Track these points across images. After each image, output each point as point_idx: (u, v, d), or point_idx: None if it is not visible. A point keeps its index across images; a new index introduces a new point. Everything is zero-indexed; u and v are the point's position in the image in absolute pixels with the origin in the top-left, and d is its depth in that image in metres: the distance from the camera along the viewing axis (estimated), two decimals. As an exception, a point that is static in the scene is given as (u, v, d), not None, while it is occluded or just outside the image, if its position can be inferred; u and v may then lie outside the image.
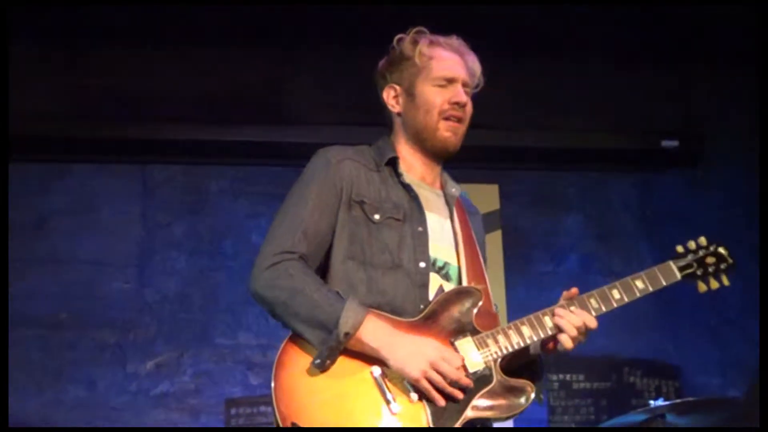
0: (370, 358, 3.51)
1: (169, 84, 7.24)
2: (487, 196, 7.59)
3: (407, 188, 3.87)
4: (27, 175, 7.09)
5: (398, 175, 3.89)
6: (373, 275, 3.69)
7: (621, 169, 7.77)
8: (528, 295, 7.42)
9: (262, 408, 6.86)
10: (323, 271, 3.72)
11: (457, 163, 7.38)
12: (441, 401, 3.47)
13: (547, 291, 7.45)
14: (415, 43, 4.01)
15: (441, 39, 4.07)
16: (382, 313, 3.59)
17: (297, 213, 3.69)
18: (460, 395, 3.51)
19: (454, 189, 4.09)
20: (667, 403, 5.57)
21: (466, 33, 6.91)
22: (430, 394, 3.46)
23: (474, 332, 3.67)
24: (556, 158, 7.67)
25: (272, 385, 3.46)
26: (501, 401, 3.61)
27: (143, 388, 7.01)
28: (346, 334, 3.44)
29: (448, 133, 3.96)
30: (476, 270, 3.93)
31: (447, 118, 3.94)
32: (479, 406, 3.57)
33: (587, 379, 7.41)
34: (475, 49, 7.02)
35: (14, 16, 6.43)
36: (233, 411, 6.87)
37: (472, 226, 4.09)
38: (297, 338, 3.54)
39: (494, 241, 7.49)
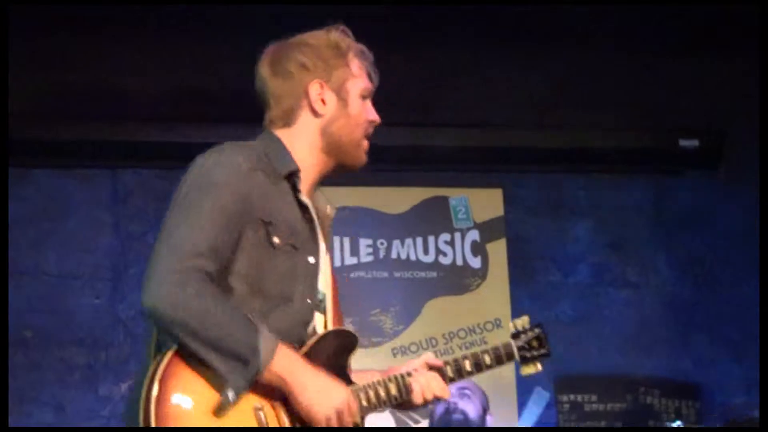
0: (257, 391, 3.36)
1: (142, 81, 7.15)
2: (489, 202, 7.61)
3: (304, 209, 3.63)
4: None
5: (297, 191, 3.61)
6: (265, 307, 3.48)
7: (635, 170, 7.73)
8: (534, 308, 7.32)
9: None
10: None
11: (458, 166, 7.38)
12: None
13: (555, 304, 7.46)
14: (346, 41, 3.76)
15: (356, 44, 3.82)
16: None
17: (208, 221, 3.39)
18: None
19: (329, 208, 3.83)
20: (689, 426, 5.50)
21: (470, 29, 6.92)
22: None
23: (348, 382, 3.59)
24: (564, 159, 7.62)
25: (147, 402, 3.23)
26: None
27: (116, 413, 6.85)
28: (264, 364, 3.27)
29: (365, 155, 3.76)
30: (337, 303, 3.84)
31: (366, 137, 3.74)
32: (311, 428, 3.44)
33: (600, 399, 7.40)
34: (478, 44, 7.05)
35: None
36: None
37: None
38: (185, 355, 3.32)
39: (498, 250, 7.52)
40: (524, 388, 7.18)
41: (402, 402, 3.68)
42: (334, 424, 3.35)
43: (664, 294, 7.51)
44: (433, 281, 7.42)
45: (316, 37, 3.73)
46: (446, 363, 3.79)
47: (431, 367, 3.75)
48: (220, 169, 3.45)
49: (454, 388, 6.06)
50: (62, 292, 7.03)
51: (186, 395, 3.30)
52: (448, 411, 6.09)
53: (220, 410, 3.27)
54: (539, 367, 3.98)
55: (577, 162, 7.62)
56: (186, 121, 7.01)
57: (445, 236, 7.48)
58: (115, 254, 7.18)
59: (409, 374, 3.68)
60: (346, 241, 7.38)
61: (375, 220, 7.45)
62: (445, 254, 7.45)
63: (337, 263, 7.24)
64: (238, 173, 3.45)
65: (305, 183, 3.64)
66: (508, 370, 6.99)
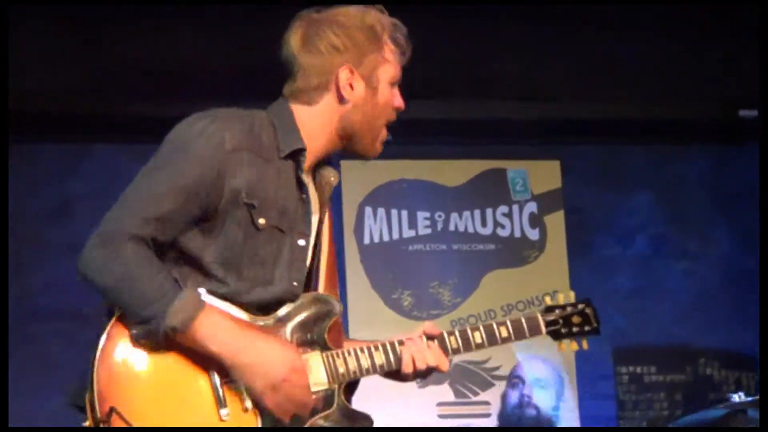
0: (210, 358, 3.36)
1: (197, 59, 7.18)
2: (547, 174, 7.63)
3: (302, 188, 3.61)
4: (46, 156, 7.11)
5: (299, 170, 3.59)
6: (240, 287, 3.49)
7: (694, 141, 7.73)
8: (592, 280, 7.39)
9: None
10: (180, 261, 3.46)
11: (516, 138, 7.43)
12: (277, 418, 3.40)
13: (613, 276, 7.48)
14: (381, 23, 3.67)
15: (395, 22, 3.71)
16: (221, 306, 3.43)
17: (158, 190, 3.38)
18: (298, 416, 3.43)
19: (333, 177, 3.77)
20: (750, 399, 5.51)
21: (531, 4, 6.95)
22: (269, 411, 3.38)
23: (324, 347, 3.56)
24: (622, 131, 7.61)
25: (94, 360, 3.26)
26: (337, 426, 3.56)
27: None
28: (173, 329, 3.25)
29: (380, 146, 3.73)
30: (332, 278, 3.77)
31: (386, 126, 3.71)
32: (316, 425, 3.51)
33: (659, 371, 7.44)
34: (538, 18, 7.08)
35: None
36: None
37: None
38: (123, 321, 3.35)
39: (556, 222, 7.55)
40: (585, 371, 7.25)
41: (392, 371, 3.65)
42: (276, 397, 3.34)
43: (724, 265, 7.52)
44: (491, 254, 7.44)
45: (352, 17, 3.63)
46: (450, 333, 3.72)
47: (430, 337, 3.70)
48: (201, 141, 3.43)
49: (529, 379, 6.14)
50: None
51: (124, 353, 3.32)
52: (521, 404, 6.11)
53: (135, 341, 3.28)
54: (579, 345, 3.96)
55: (635, 134, 7.61)
56: (240, 97, 6.98)
57: (503, 208, 7.50)
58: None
59: (400, 342, 3.64)
60: (404, 214, 7.40)
61: (433, 192, 7.46)
62: (503, 226, 7.48)
63: (396, 236, 7.33)
64: (218, 150, 3.43)
65: (308, 161, 3.62)
66: (565, 355, 7.12)
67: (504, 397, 6.17)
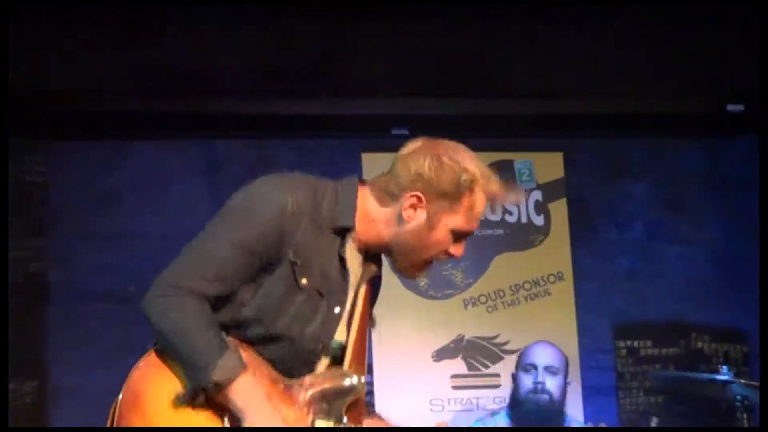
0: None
1: (231, 59, 7.11)
2: (551, 165, 7.60)
3: (343, 263, 3.61)
4: (94, 152, 7.11)
5: (342, 245, 3.60)
6: (266, 335, 3.53)
7: (686, 134, 7.71)
8: (593, 263, 7.43)
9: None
10: (228, 302, 3.49)
11: (522, 132, 7.40)
12: None
13: (612, 258, 7.49)
14: (474, 180, 3.60)
15: (495, 185, 3.66)
16: (260, 365, 3.49)
17: (225, 252, 3.42)
18: None
19: (374, 267, 3.76)
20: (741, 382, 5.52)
21: (532, 6, 6.92)
22: None
23: (339, 419, 3.56)
24: (620, 125, 7.60)
25: (122, 391, 3.37)
26: None
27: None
28: (216, 384, 3.30)
29: (418, 273, 3.74)
30: (361, 350, 3.74)
31: (430, 262, 3.69)
32: (313, 428, 3.51)
33: (655, 345, 7.45)
34: (540, 20, 7.04)
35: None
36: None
37: (372, 292, 3.86)
38: (161, 356, 3.44)
39: (559, 209, 7.52)
40: (586, 345, 7.24)
41: None
42: None
43: (715, 249, 7.51)
44: (500, 238, 7.41)
45: (454, 162, 3.59)
46: None
47: None
48: (265, 206, 3.44)
49: (541, 367, 6.12)
50: (164, 252, 7.03)
51: (153, 387, 3.39)
52: (536, 390, 6.09)
53: (176, 404, 3.33)
54: None
55: (632, 127, 7.59)
56: (272, 95, 7.00)
57: (511, 196, 7.46)
58: (211, 217, 7.20)
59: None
60: (420, 202, 7.34)
61: (446, 182, 7.41)
62: (510, 213, 7.44)
63: (414, 223, 7.31)
64: (280, 215, 3.43)
65: (356, 242, 3.62)
66: (568, 331, 7.12)
67: (518, 383, 6.14)
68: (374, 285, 3.86)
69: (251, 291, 3.48)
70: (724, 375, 5.65)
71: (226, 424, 3.38)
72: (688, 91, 7.49)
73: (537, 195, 7.49)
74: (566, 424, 6.16)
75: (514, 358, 6.98)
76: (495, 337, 7.20)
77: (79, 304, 6.89)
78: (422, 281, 7.21)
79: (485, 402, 7.13)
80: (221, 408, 3.38)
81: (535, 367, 6.11)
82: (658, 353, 7.39)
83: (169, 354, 3.39)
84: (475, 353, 7.22)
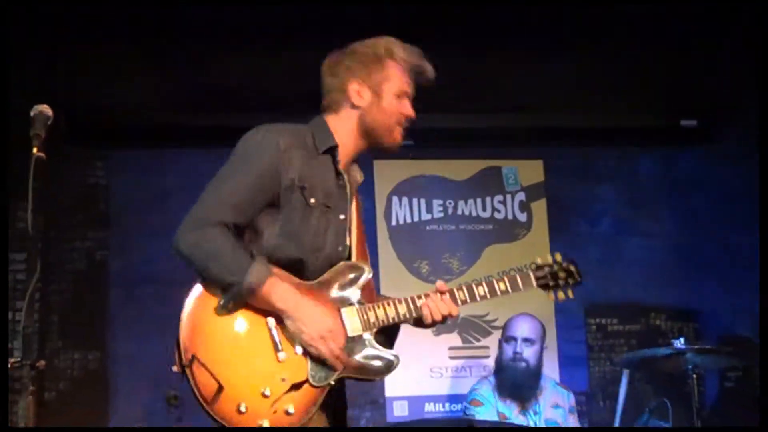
0: (267, 311, 3.47)
1: (260, 79, 7.12)
2: (533, 170, 7.62)
3: (340, 176, 3.71)
4: (146, 159, 7.15)
5: (336, 162, 3.70)
6: (299, 253, 3.59)
7: (648, 145, 7.72)
8: (568, 252, 7.26)
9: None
10: (254, 236, 3.58)
11: (508, 142, 7.44)
12: (321, 360, 3.47)
13: (584, 249, 7.47)
14: (389, 50, 3.80)
15: (408, 51, 3.84)
16: (284, 273, 3.53)
17: (233, 185, 3.53)
18: (336, 363, 3.50)
19: (359, 176, 3.87)
20: (689, 347, 5.54)
21: (516, 33, 6.95)
22: (314, 355, 3.47)
23: (358, 302, 3.64)
24: (591, 136, 7.62)
25: (182, 318, 3.41)
26: (369, 366, 3.61)
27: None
28: (250, 289, 3.38)
29: (400, 137, 3.81)
30: (362, 249, 3.83)
31: (399, 125, 3.78)
32: (350, 367, 3.56)
33: (620, 322, 7.48)
34: (523, 45, 7.06)
35: (122, 18, 6.53)
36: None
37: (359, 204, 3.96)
38: (207, 283, 3.47)
39: (539, 208, 7.55)
40: (562, 322, 7.30)
41: (413, 320, 3.72)
42: (320, 345, 3.44)
43: (670, 241, 7.53)
44: (489, 232, 7.43)
45: (363, 46, 3.79)
46: (459, 288, 3.77)
47: (442, 292, 3.75)
48: (261, 146, 3.57)
49: (520, 338, 6.14)
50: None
51: (202, 310, 3.42)
52: (515, 358, 6.08)
53: (219, 310, 3.38)
54: (565, 295, 3.99)
55: (600, 139, 7.61)
56: (289, 111, 6.88)
57: (499, 197, 7.49)
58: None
59: (419, 297, 3.71)
60: (423, 201, 7.39)
61: (444, 185, 7.47)
62: (499, 211, 7.46)
63: (416, 219, 7.35)
64: (275, 151, 3.55)
65: (343, 157, 3.71)
66: (547, 310, 7.16)
67: (501, 351, 6.17)
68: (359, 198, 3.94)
69: (270, 220, 3.56)
70: (679, 346, 5.69)
71: (271, 325, 3.45)
72: (649, 108, 7.57)
73: (521, 196, 7.52)
74: (542, 382, 6.18)
75: (500, 332, 7.08)
76: (485, 315, 7.23)
77: (135, 286, 6.88)
78: (424, 268, 7.26)
79: (477, 370, 7.15)
80: (264, 312, 3.46)
81: (515, 339, 6.12)
82: (622, 329, 7.41)
83: (208, 280, 3.45)
84: (468, 329, 7.25)
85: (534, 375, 6.12)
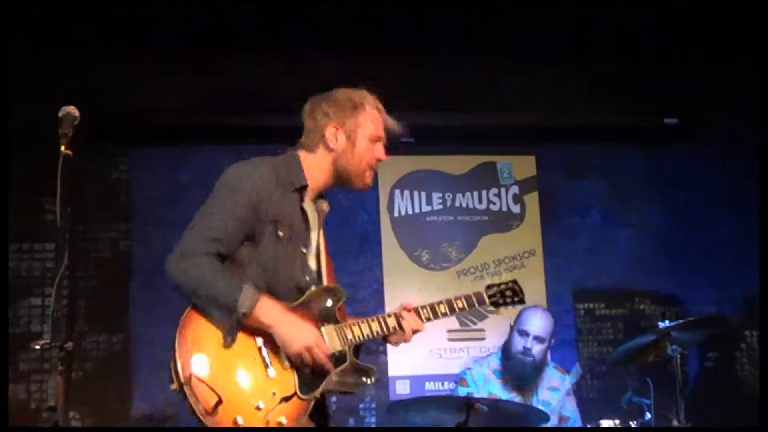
0: (255, 329, 3.55)
1: (273, 81, 7.15)
2: (526, 165, 7.60)
3: (304, 212, 3.82)
4: (164, 157, 7.14)
5: (302, 200, 3.81)
6: (271, 279, 3.68)
7: (634, 142, 7.71)
8: (559, 242, 7.49)
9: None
10: (234, 267, 3.64)
11: (503, 139, 7.45)
12: (307, 375, 3.59)
13: (573, 239, 7.51)
14: (364, 100, 3.93)
15: (377, 103, 3.97)
16: (269, 296, 3.60)
17: (218, 220, 3.60)
18: (324, 368, 3.62)
19: (325, 205, 3.97)
20: (672, 324, 5.53)
21: (510, 41, 6.97)
22: (302, 367, 3.58)
23: (335, 322, 3.76)
24: (580, 134, 7.60)
25: (176, 339, 3.47)
26: (350, 379, 3.75)
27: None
28: (244, 314, 3.46)
29: (369, 181, 3.93)
30: (331, 272, 3.96)
31: (371, 168, 3.90)
32: (333, 380, 3.68)
33: (607, 307, 7.47)
34: (514, 50, 7.09)
35: (143, 28, 6.58)
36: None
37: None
38: (197, 308, 3.55)
39: (532, 200, 7.53)
40: (553, 307, 7.21)
41: (384, 335, 3.87)
42: (306, 356, 3.54)
43: (654, 232, 7.53)
44: (485, 222, 7.42)
45: (341, 93, 3.91)
46: (423, 307, 3.93)
47: (408, 310, 3.91)
48: (245, 181, 3.65)
49: (532, 335, 6.10)
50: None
51: (196, 332, 3.50)
52: (524, 353, 6.02)
53: (225, 345, 3.48)
54: (514, 310, 4.31)
55: (589, 136, 7.59)
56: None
57: (494, 190, 7.48)
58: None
59: (389, 315, 3.86)
60: (423, 194, 7.38)
61: (443, 179, 7.46)
62: (494, 203, 7.45)
63: (417, 210, 7.35)
64: (253, 188, 3.63)
65: (310, 193, 3.83)
66: (539, 295, 7.17)
67: (512, 339, 6.11)
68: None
69: (248, 252, 3.64)
70: (663, 326, 5.69)
71: (260, 344, 3.55)
72: (634, 108, 7.57)
73: (515, 189, 7.51)
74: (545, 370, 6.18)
75: (496, 317, 7.04)
76: (481, 301, 7.23)
77: (155, 274, 6.84)
78: (424, 256, 7.27)
79: (473, 351, 7.13)
80: (252, 332, 3.55)
81: (527, 333, 6.05)
82: (609, 313, 7.41)
83: (199, 306, 3.52)
84: (466, 313, 7.18)
85: (538, 369, 6.09)
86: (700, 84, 7.52)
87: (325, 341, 3.66)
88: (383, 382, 7.06)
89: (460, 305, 4.01)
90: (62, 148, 3.50)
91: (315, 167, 3.85)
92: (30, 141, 4.90)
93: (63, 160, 3.48)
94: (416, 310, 3.93)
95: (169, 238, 6.74)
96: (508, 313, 4.27)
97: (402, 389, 7.05)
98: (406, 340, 3.93)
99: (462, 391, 6.09)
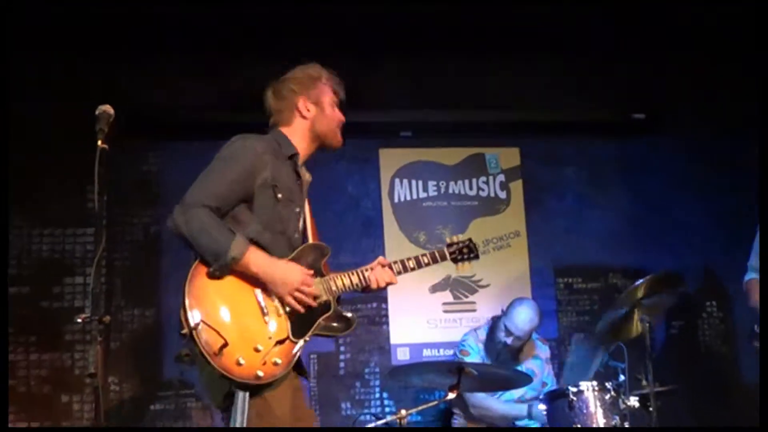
0: (255, 281, 3.63)
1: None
2: (511, 156, 7.53)
3: (299, 176, 3.94)
4: (191, 150, 7.03)
5: (296, 166, 3.94)
6: (270, 237, 3.75)
7: (605, 133, 7.64)
8: (540, 224, 7.45)
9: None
10: (235, 225, 3.70)
11: (491, 133, 7.43)
12: (299, 311, 3.69)
13: (553, 221, 7.46)
14: (320, 73, 4.08)
15: (328, 72, 4.13)
16: (259, 249, 3.69)
17: (218, 180, 3.70)
18: (310, 319, 3.74)
19: (308, 175, 4.06)
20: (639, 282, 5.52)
21: (497, 43, 6.95)
22: (292, 306, 3.67)
23: (321, 275, 3.86)
24: (558, 128, 7.54)
25: (185, 286, 3.55)
26: (335, 324, 3.84)
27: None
28: (233, 258, 3.53)
29: (341, 138, 4.09)
30: (315, 232, 4.05)
31: (339, 128, 4.07)
32: (321, 325, 3.79)
33: (583, 281, 7.43)
34: (500, 52, 7.07)
35: (171, 34, 6.56)
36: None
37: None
38: (203, 260, 3.62)
39: (517, 186, 7.46)
40: (536, 282, 7.25)
41: (363, 287, 3.97)
42: (296, 295, 3.66)
43: (623, 214, 7.47)
44: (475, 207, 7.38)
45: (299, 72, 4.08)
46: (394, 262, 4.03)
47: (383, 265, 4.01)
48: (243, 150, 3.79)
49: (519, 330, 6.02)
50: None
51: (203, 283, 3.57)
52: (505, 347, 5.95)
53: (209, 274, 3.56)
54: (470, 265, 4.31)
55: (566, 130, 7.53)
56: None
57: (483, 178, 7.42)
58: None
59: (366, 269, 3.96)
60: (420, 183, 7.33)
61: (438, 168, 7.41)
62: (483, 190, 7.39)
63: (415, 197, 7.29)
64: (254, 155, 3.77)
65: (300, 160, 3.96)
66: (523, 271, 7.15)
67: (495, 331, 6.01)
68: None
69: (248, 212, 3.72)
70: (631, 288, 5.69)
71: (257, 295, 3.64)
72: (606, 105, 7.54)
73: (501, 177, 7.44)
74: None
75: (486, 290, 7.09)
76: (472, 276, 7.19)
77: (183, 254, 6.88)
78: (422, 238, 7.24)
79: (466, 321, 7.08)
80: (251, 284, 3.63)
81: (511, 333, 6.02)
82: (585, 287, 7.37)
83: (198, 255, 3.61)
84: (459, 287, 7.19)
85: (516, 353, 6.08)
86: (663, 83, 7.53)
87: (312, 279, 3.75)
88: (386, 349, 7.05)
89: (426, 260, 4.10)
90: (99, 142, 3.50)
91: (297, 137, 3.98)
92: (72, 137, 4.89)
93: (100, 153, 3.48)
94: (389, 265, 4.01)
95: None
96: (468, 267, 4.32)
97: (402, 356, 7.04)
98: (381, 287, 4.01)
99: (464, 359, 6.09)
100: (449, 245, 4.26)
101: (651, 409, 5.37)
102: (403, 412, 4.74)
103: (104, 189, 3.48)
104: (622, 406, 5.29)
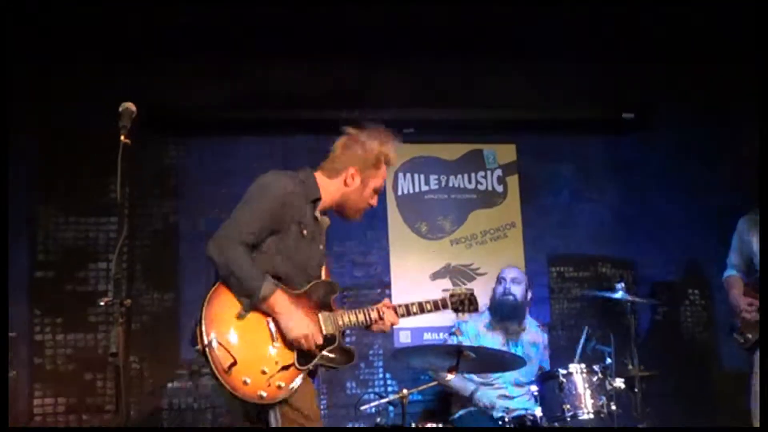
0: (267, 312, 3.74)
1: (299, 82, 7.12)
2: (508, 152, 7.51)
3: (317, 221, 4.00)
4: (210, 145, 7.09)
5: (315, 210, 3.99)
6: (290, 269, 3.86)
7: (597, 133, 7.62)
8: (535, 217, 7.43)
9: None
10: (259, 255, 3.79)
11: (488, 130, 7.41)
12: (303, 351, 3.79)
13: (547, 213, 7.45)
14: (387, 157, 4.11)
15: (392, 159, 4.16)
16: (284, 287, 3.80)
17: (252, 217, 3.75)
18: (314, 353, 3.84)
19: (327, 219, 4.14)
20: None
21: (492, 48, 6.92)
22: (298, 348, 3.79)
23: (330, 310, 3.97)
24: (552, 126, 7.51)
25: (203, 307, 3.64)
26: (336, 357, 3.94)
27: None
28: (263, 298, 3.66)
29: (359, 216, 4.19)
30: (327, 270, 4.12)
31: (365, 209, 4.15)
32: (324, 357, 3.89)
33: (575, 270, 7.42)
34: (499, 54, 7.04)
35: (191, 37, 6.56)
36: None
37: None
38: (224, 286, 3.71)
39: (513, 181, 7.45)
40: (530, 270, 7.20)
41: (367, 326, 4.08)
42: (303, 342, 3.74)
43: (613, 207, 7.46)
44: (474, 200, 7.36)
45: (374, 143, 4.09)
46: (399, 306, 4.13)
47: (388, 307, 4.10)
48: (273, 188, 3.83)
49: (509, 279, 6.11)
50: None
51: (221, 306, 3.67)
52: (505, 293, 6.06)
53: (239, 317, 3.67)
54: (467, 316, 4.59)
55: (560, 128, 7.50)
56: (326, 107, 6.90)
57: (481, 173, 7.40)
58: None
59: (372, 310, 4.07)
60: (422, 176, 7.32)
61: (439, 163, 7.39)
62: (481, 183, 7.38)
63: (417, 190, 7.28)
64: (283, 192, 3.82)
65: (320, 206, 4.02)
66: (518, 260, 7.12)
67: (494, 292, 6.16)
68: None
69: (273, 245, 3.81)
70: (619, 289, 5.70)
71: (270, 323, 3.73)
72: (598, 104, 7.51)
73: (498, 172, 7.43)
74: (526, 323, 6.18)
75: (483, 278, 7.07)
76: (470, 265, 7.20)
77: (199, 242, 6.82)
78: (423, 228, 7.24)
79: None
80: (265, 313, 3.73)
81: (504, 279, 6.13)
82: (577, 275, 7.35)
83: (226, 283, 3.70)
84: (458, 275, 7.17)
85: (520, 308, 6.10)
86: (652, 84, 7.51)
87: (321, 331, 3.86)
88: (389, 332, 7.01)
89: (429, 307, 4.20)
90: (122, 137, 3.51)
91: (327, 190, 4.02)
92: (99, 132, 4.88)
93: (123, 147, 3.49)
94: (394, 308, 4.11)
95: (212, 213, 6.83)
96: (466, 316, 4.53)
97: (405, 338, 7.03)
98: (384, 330, 4.12)
99: (455, 340, 6.10)
100: (452, 296, 4.35)
101: (636, 390, 5.38)
102: (405, 391, 4.77)
103: (126, 181, 3.50)
104: (609, 387, 5.33)
